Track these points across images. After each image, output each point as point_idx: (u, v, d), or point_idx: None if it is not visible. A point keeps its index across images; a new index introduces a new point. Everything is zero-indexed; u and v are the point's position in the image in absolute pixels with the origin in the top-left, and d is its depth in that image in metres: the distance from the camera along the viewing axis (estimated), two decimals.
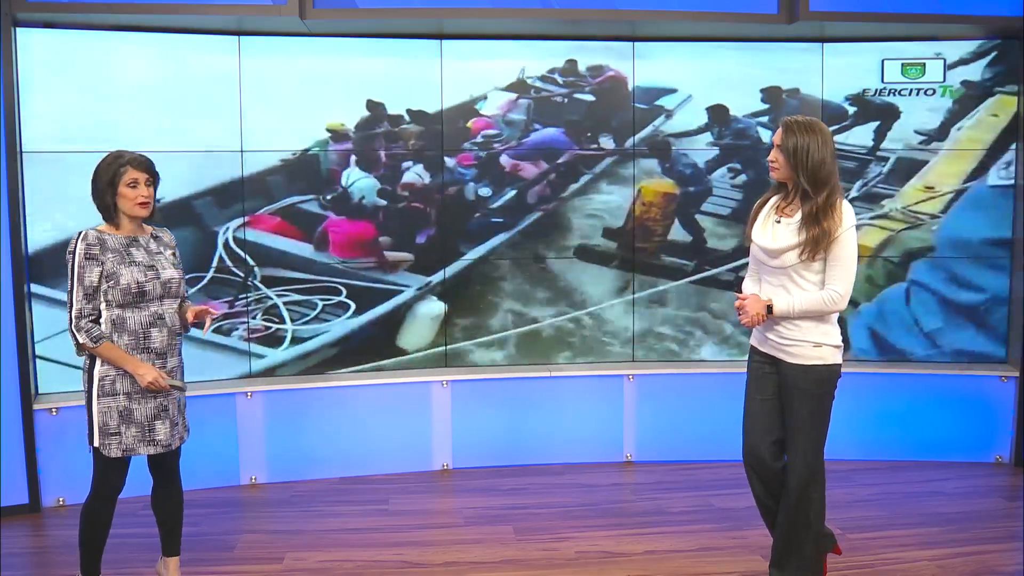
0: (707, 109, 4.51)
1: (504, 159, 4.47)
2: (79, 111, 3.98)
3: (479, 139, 4.45)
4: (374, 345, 4.47)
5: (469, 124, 4.44)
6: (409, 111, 4.39)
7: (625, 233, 4.57)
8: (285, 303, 4.37)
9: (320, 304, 4.40)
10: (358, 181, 4.38)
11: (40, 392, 4.00)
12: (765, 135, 4.54)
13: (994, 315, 4.53)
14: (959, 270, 4.52)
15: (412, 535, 3.64)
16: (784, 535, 2.88)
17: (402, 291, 4.47)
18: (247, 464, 4.26)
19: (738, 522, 3.71)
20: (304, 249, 4.37)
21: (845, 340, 4.52)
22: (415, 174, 4.43)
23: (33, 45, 3.89)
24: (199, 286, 4.22)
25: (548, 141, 4.49)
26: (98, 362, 2.76)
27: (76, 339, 2.73)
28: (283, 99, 4.27)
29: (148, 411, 2.80)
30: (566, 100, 4.48)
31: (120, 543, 3.29)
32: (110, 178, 2.76)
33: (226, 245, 4.27)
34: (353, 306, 4.43)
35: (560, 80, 4.48)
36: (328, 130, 4.33)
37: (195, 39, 4.12)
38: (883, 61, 4.49)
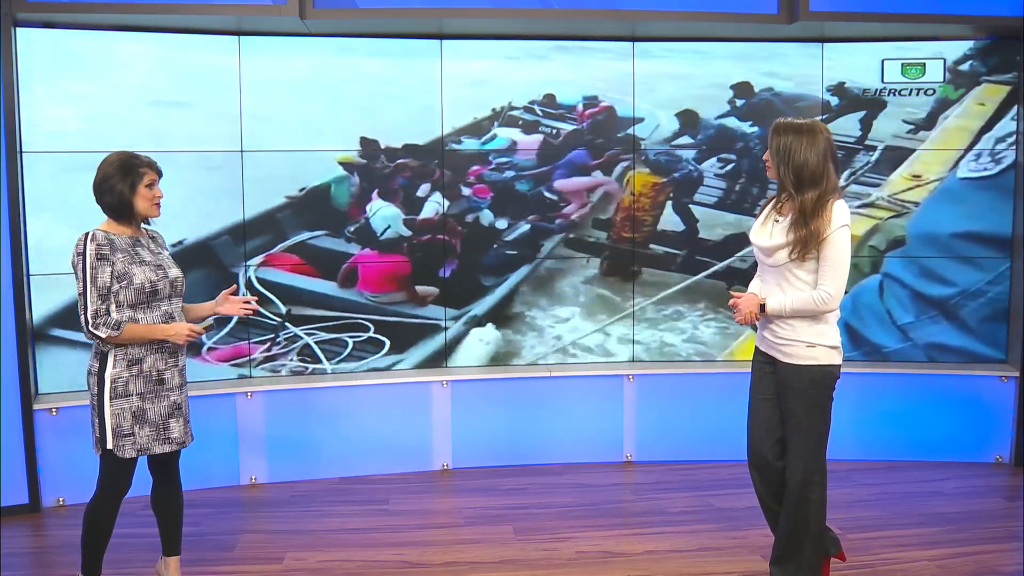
0: (676, 115, 4.53)
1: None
2: (79, 111, 3.98)
3: (492, 165, 4.47)
4: None
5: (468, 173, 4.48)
6: (406, 145, 4.39)
7: (614, 223, 4.58)
8: (316, 342, 4.39)
9: (350, 342, 4.42)
10: (381, 210, 4.39)
11: (40, 392, 4.00)
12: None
13: (964, 308, 4.53)
14: (931, 263, 4.53)
15: (412, 535, 3.64)
16: (785, 534, 2.88)
17: (434, 325, 4.49)
18: (247, 464, 4.26)
19: (738, 522, 3.71)
20: (325, 286, 4.39)
21: None
22: (435, 203, 4.43)
23: (33, 45, 3.89)
24: (227, 329, 4.26)
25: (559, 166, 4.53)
26: (109, 364, 2.75)
27: (97, 337, 2.71)
28: (282, 103, 4.28)
29: (162, 410, 2.82)
30: (555, 132, 4.49)
31: (120, 543, 3.28)
32: (131, 178, 2.77)
33: (249, 285, 4.28)
34: (387, 343, 4.45)
35: (552, 112, 4.49)
36: (340, 163, 4.34)
37: (195, 39, 4.12)
38: (883, 61, 4.49)
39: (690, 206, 4.59)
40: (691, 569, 3.30)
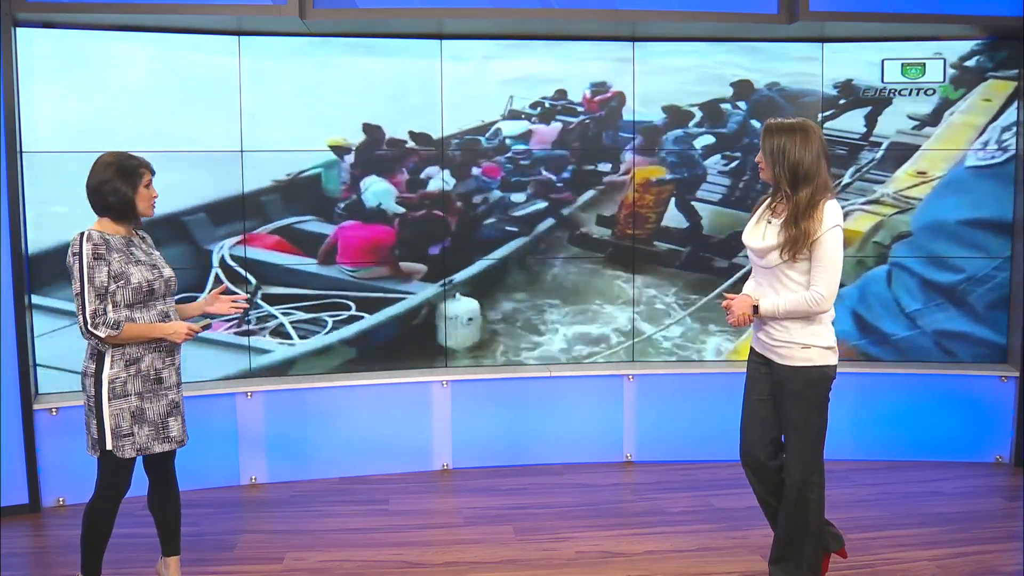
0: (691, 107, 4.52)
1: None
2: (79, 111, 3.98)
3: (510, 154, 4.47)
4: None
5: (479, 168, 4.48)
6: (411, 133, 4.39)
7: (617, 220, 4.58)
8: (291, 322, 4.36)
9: (330, 322, 4.40)
10: (373, 185, 4.38)
11: (40, 392, 4.00)
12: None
13: (972, 295, 4.54)
14: (939, 250, 4.54)
15: (412, 535, 3.64)
16: (784, 534, 2.88)
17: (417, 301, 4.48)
18: (247, 464, 4.26)
19: (738, 522, 3.71)
20: (307, 264, 4.36)
21: None
22: (439, 181, 4.42)
23: (33, 45, 3.88)
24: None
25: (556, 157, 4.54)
26: (107, 365, 2.75)
27: (97, 337, 2.69)
28: (282, 103, 4.27)
29: (161, 409, 2.82)
30: (562, 124, 4.50)
31: (120, 543, 3.29)
32: (132, 179, 2.77)
33: (222, 263, 4.25)
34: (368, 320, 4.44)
35: (560, 107, 4.49)
36: (330, 146, 4.33)
37: (195, 39, 4.12)
38: (883, 61, 4.49)
39: (693, 203, 4.59)
40: (691, 569, 3.30)
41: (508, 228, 4.51)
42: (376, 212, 4.40)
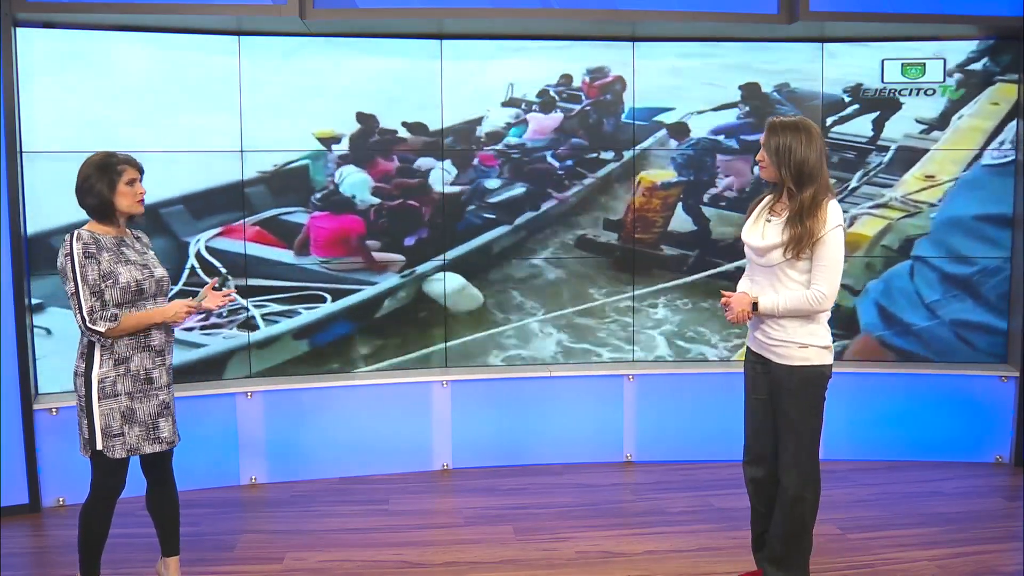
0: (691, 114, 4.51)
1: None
2: (79, 111, 3.98)
3: (501, 146, 4.46)
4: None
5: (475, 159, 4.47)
6: (405, 123, 4.39)
7: (624, 224, 4.58)
8: (264, 315, 4.33)
9: (303, 312, 4.38)
10: (349, 176, 4.36)
11: (40, 392, 4.00)
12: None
13: (985, 285, 4.53)
14: (957, 244, 4.53)
15: (412, 535, 3.64)
16: (783, 535, 2.88)
17: (389, 289, 4.45)
18: (247, 464, 4.26)
19: (738, 522, 3.71)
20: (284, 255, 4.33)
21: (853, 319, 4.51)
22: (439, 172, 4.42)
23: (33, 45, 3.89)
24: (172, 292, 4.21)
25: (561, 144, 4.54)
26: (96, 364, 2.75)
27: (97, 332, 2.69)
28: (283, 101, 4.27)
29: (151, 409, 2.81)
30: (564, 113, 4.50)
31: (119, 543, 3.29)
32: (110, 177, 2.76)
33: (198, 255, 4.23)
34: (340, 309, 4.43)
35: (565, 94, 4.48)
36: (319, 138, 4.32)
37: (195, 39, 4.12)
38: (883, 61, 4.49)
39: (701, 207, 4.59)
40: (691, 569, 3.30)
41: (487, 215, 4.50)
42: (345, 202, 4.38)
